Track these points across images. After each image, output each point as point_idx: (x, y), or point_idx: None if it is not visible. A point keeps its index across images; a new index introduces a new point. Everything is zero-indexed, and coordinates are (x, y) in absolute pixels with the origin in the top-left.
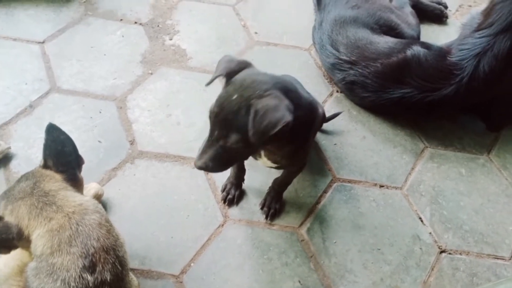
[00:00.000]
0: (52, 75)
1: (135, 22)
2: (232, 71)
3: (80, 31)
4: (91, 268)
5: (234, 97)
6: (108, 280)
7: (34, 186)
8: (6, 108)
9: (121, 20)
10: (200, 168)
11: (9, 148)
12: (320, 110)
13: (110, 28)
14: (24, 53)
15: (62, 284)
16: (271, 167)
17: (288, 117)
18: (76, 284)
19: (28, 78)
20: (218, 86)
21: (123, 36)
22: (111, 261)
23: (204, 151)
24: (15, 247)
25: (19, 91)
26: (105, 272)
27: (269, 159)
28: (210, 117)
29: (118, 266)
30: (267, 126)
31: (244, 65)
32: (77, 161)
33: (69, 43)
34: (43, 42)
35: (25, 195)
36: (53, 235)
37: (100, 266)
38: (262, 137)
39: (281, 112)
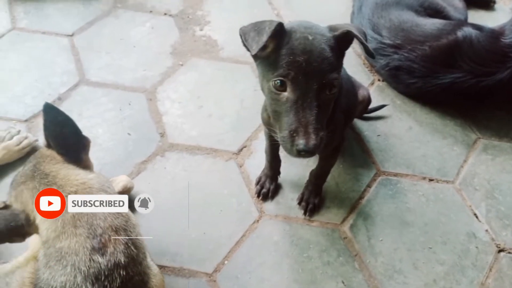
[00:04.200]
0: (81, 67)
1: (165, 14)
2: (280, 27)
3: (109, 24)
4: (101, 249)
5: (311, 38)
6: (123, 262)
7: (34, 168)
8: (34, 100)
9: (150, 11)
10: (315, 147)
11: (37, 140)
12: (363, 93)
13: (139, 20)
14: (53, 46)
15: (73, 270)
16: None
17: None
18: (87, 268)
19: (57, 70)
20: (251, 77)
21: (152, 28)
22: (123, 242)
23: (308, 122)
24: (28, 234)
25: (48, 84)
26: (118, 254)
27: None
28: (294, 76)
29: (133, 248)
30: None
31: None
32: (80, 143)
33: (98, 36)
34: (72, 35)
35: (27, 179)
36: (56, 218)
37: (112, 247)
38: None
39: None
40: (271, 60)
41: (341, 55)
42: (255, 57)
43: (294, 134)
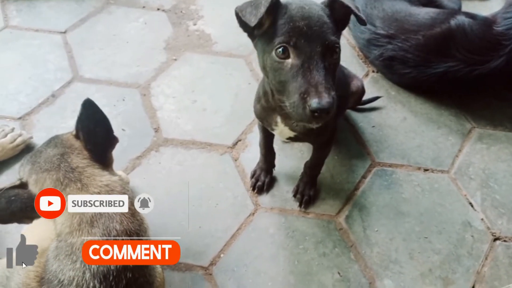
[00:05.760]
0: (74, 64)
1: (158, 9)
2: (277, 1)
3: (102, 20)
4: None
5: (307, 7)
6: (131, 265)
7: (61, 158)
8: (28, 98)
9: (143, 7)
10: (329, 105)
11: (31, 138)
12: (357, 83)
13: (132, 15)
14: (46, 44)
15: (82, 265)
16: (290, 138)
17: None
18: (97, 266)
19: (50, 68)
20: (245, 70)
21: (145, 23)
22: None
23: (318, 82)
24: (37, 217)
25: (41, 81)
26: None
27: (286, 125)
28: (296, 41)
29: None
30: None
31: None
32: (109, 143)
33: (91, 32)
34: (65, 32)
35: (52, 168)
36: (74, 214)
37: None
38: None
39: None
40: (270, 34)
41: (338, 31)
42: (253, 36)
43: (305, 95)
